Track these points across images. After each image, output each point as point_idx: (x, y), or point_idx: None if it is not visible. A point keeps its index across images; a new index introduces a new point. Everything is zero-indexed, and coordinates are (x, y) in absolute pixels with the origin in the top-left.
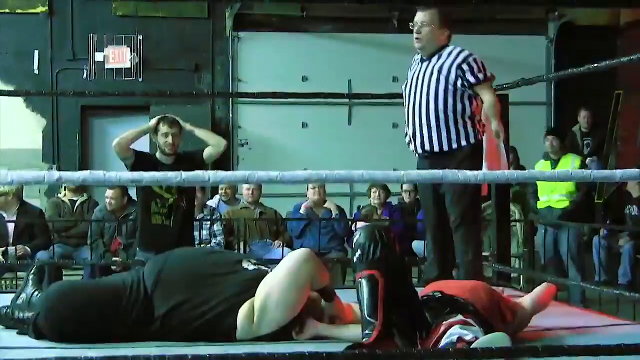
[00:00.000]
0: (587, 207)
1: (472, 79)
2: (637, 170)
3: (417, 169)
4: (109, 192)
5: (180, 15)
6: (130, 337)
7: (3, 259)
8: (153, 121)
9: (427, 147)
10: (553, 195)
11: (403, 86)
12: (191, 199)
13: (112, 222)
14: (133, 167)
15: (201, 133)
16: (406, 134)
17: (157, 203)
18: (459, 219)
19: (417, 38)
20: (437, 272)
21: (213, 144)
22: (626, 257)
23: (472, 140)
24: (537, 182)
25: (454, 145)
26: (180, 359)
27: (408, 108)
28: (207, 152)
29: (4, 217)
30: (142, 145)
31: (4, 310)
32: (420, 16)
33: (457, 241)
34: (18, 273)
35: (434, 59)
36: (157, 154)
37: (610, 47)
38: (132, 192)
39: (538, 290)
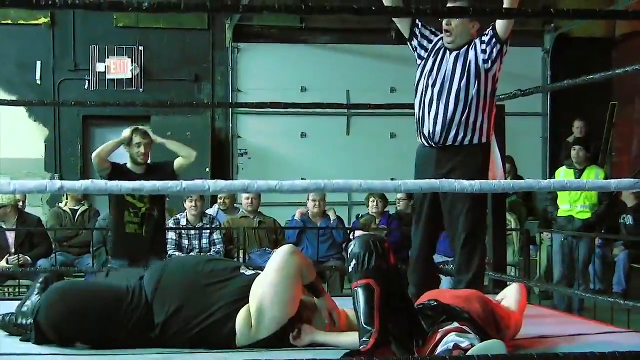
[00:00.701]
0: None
1: (490, 31)
2: (631, 180)
3: (420, 157)
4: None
5: (181, 26)
6: (130, 342)
7: (6, 265)
8: (127, 132)
9: (441, 140)
10: (576, 206)
11: (422, 69)
12: (162, 208)
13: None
14: (109, 178)
15: (172, 145)
16: (417, 119)
17: (130, 212)
18: (467, 233)
19: (447, 31)
20: (420, 277)
21: (184, 155)
22: (620, 265)
23: (484, 139)
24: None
25: (466, 142)
26: None
27: (431, 96)
28: (177, 163)
29: (3, 228)
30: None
31: (7, 317)
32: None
33: (463, 255)
34: (20, 281)
35: (464, 49)
36: (128, 165)
37: (606, 59)
38: None
39: (517, 293)
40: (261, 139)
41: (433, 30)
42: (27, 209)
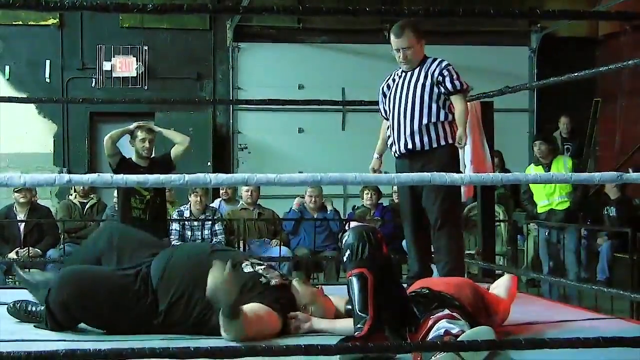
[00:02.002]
0: (587, 205)
1: (449, 87)
2: (614, 173)
3: (397, 169)
4: (116, 193)
5: (184, 27)
6: (134, 327)
7: (16, 256)
8: (133, 125)
9: (409, 146)
10: (554, 198)
11: (384, 98)
12: (163, 197)
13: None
14: (118, 165)
15: (168, 133)
16: (389, 137)
17: (136, 199)
18: (441, 220)
19: (404, 62)
20: (417, 268)
21: (179, 141)
22: (604, 255)
23: (449, 140)
24: (532, 189)
25: (434, 145)
26: (183, 351)
27: (393, 114)
28: (174, 151)
29: (15, 217)
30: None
31: (19, 305)
32: (399, 43)
33: (440, 242)
34: (30, 270)
35: (417, 70)
36: (134, 158)
37: (589, 58)
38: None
39: (507, 282)
40: (261, 135)
41: (382, 93)
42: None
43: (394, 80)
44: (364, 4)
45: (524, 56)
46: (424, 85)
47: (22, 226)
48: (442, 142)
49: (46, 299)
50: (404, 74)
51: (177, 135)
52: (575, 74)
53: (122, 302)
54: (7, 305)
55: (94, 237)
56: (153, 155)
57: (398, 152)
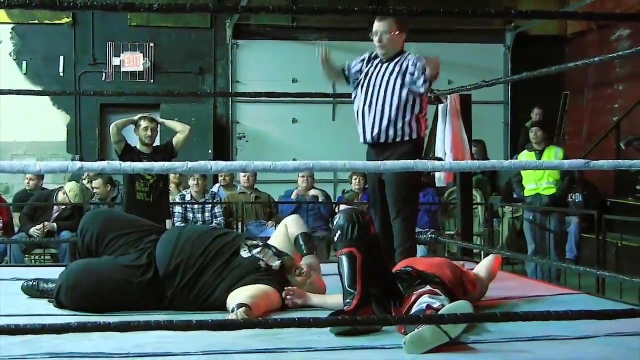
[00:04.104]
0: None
1: (418, 64)
2: (582, 160)
3: (367, 156)
4: (94, 183)
5: (187, 25)
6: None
7: (39, 234)
8: (136, 117)
9: (381, 137)
10: (541, 184)
11: (359, 83)
12: (166, 180)
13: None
14: (122, 154)
15: (170, 123)
16: (361, 125)
17: (140, 182)
18: (396, 210)
19: (380, 46)
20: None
21: (180, 130)
22: (572, 236)
23: (414, 136)
24: (522, 173)
25: (398, 139)
26: (186, 323)
27: (366, 102)
28: (175, 139)
29: (52, 196)
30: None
31: (31, 283)
32: (380, 26)
33: (395, 231)
34: (45, 249)
35: (395, 61)
36: (138, 146)
37: (559, 54)
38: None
39: (489, 262)
40: (257, 124)
41: (360, 59)
42: (51, 186)
43: (369, 63)
44: (352, 4)
45: (499, 52)
46: (401, 77)
47: (55, 210)
48: (406, 138)
49: (56, 296)
50: (380, 64)
51: (177, 124)
52: (546, 69)
53: (128, 293)
54: (21, 284)
55: (79, 233)
56: (157, 143)
57: (371, 141)
